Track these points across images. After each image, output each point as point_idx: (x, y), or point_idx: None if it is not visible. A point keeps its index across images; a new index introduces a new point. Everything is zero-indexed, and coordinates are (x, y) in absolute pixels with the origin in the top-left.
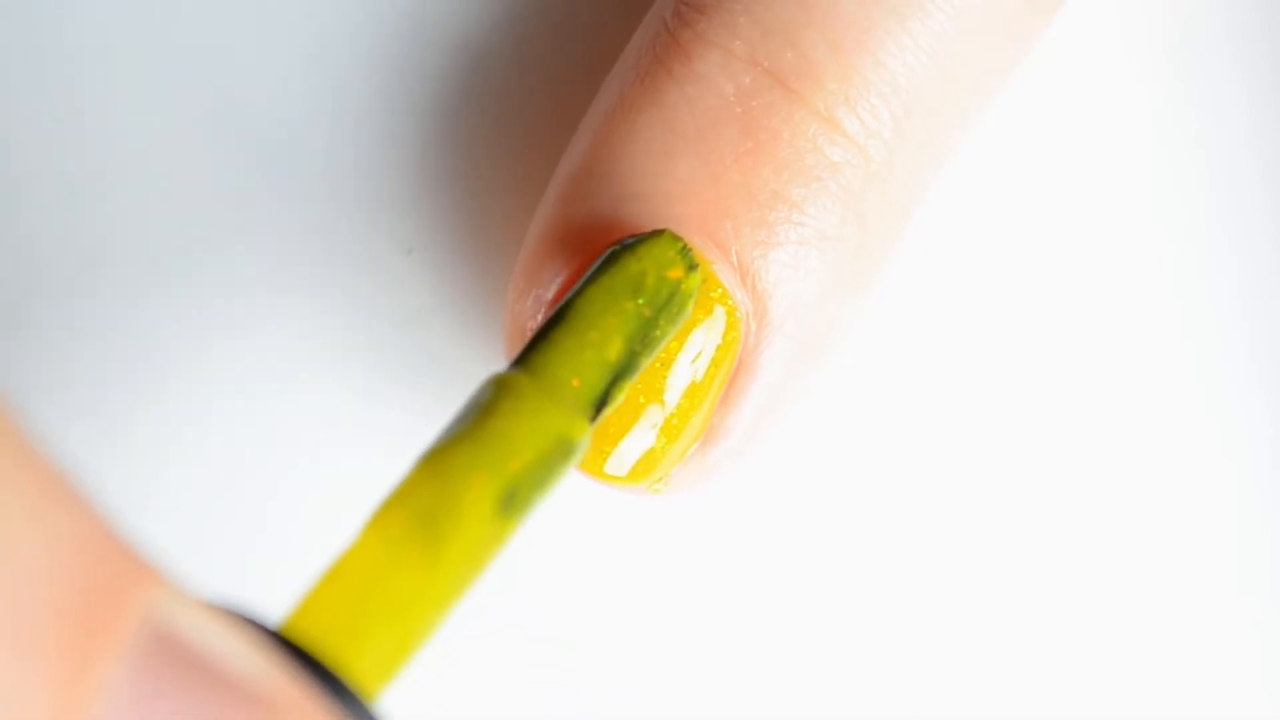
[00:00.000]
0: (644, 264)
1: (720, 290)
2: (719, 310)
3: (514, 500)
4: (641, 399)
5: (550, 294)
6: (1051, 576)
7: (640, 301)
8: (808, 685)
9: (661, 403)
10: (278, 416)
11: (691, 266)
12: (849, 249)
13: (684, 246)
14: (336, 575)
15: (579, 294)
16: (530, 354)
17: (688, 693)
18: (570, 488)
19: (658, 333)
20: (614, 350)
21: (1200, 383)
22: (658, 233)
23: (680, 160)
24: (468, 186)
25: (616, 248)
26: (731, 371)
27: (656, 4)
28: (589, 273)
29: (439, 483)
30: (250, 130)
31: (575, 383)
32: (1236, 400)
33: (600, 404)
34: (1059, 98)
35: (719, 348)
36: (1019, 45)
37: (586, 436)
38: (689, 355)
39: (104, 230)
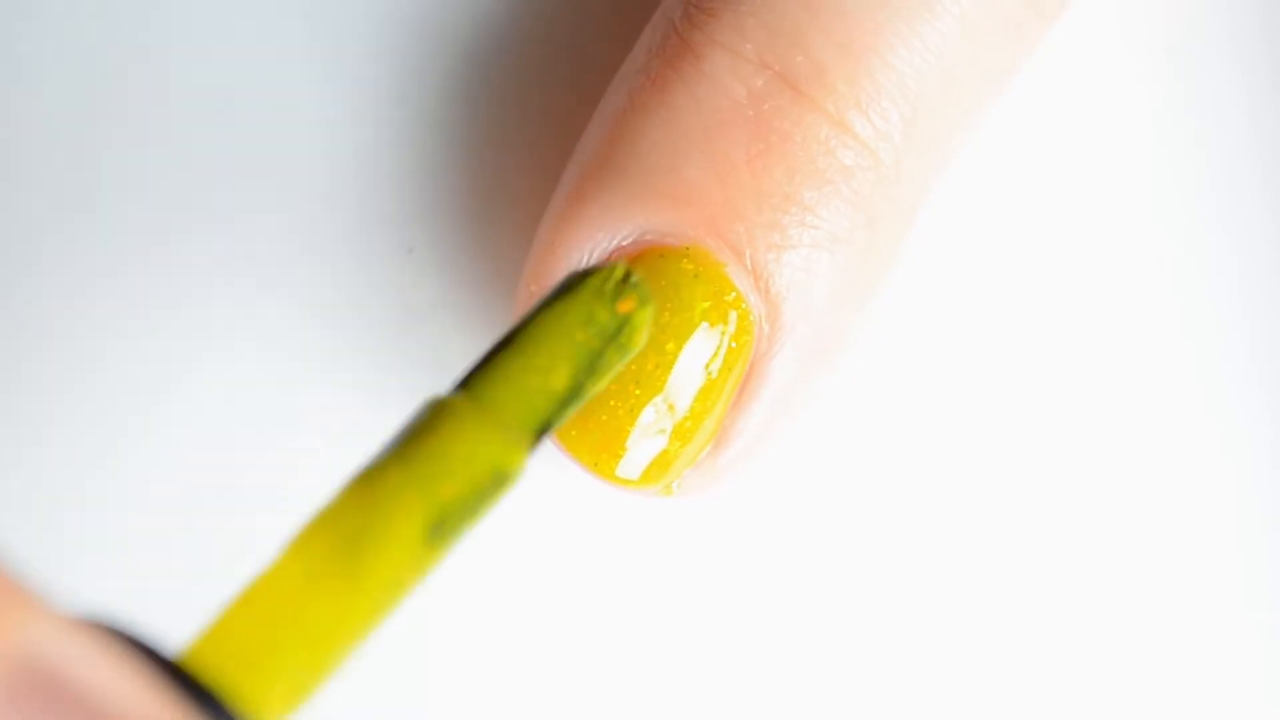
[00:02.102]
0: (596, 295)
1: (734, 294)
2: (732, 314)
3: (443, 528)
4: (655, 402)
5: None
6: (1055, 577)
7: (590, 333)
8: (815, 686)
9: (673, 406)
10: (278, 416)
11: (644, 300)
12: (859, 251)
13: (637, 280)
14: (248, 600)
15: (529, 320)
16: (473, 377)
17: (694, 693)
18: (577, 488)
19: (604, 363)
20: (560, 379)
21: (1200, 383)
22: (611, 265)
23: (690, 162)
24: (469, 186)
25: (572, 275)
26: (744, 374)
27: (663, 6)
28: (542, 298)
29: (367, 504)
30: (251, 131)
31: (516, 409)
32: (1236, 400)
33: (542, 431)
34: (1060, 99)
35: (731, 351)
36: (1022, 48)
37: (523, 465)
38: (702, 358)
39: (104, 230)
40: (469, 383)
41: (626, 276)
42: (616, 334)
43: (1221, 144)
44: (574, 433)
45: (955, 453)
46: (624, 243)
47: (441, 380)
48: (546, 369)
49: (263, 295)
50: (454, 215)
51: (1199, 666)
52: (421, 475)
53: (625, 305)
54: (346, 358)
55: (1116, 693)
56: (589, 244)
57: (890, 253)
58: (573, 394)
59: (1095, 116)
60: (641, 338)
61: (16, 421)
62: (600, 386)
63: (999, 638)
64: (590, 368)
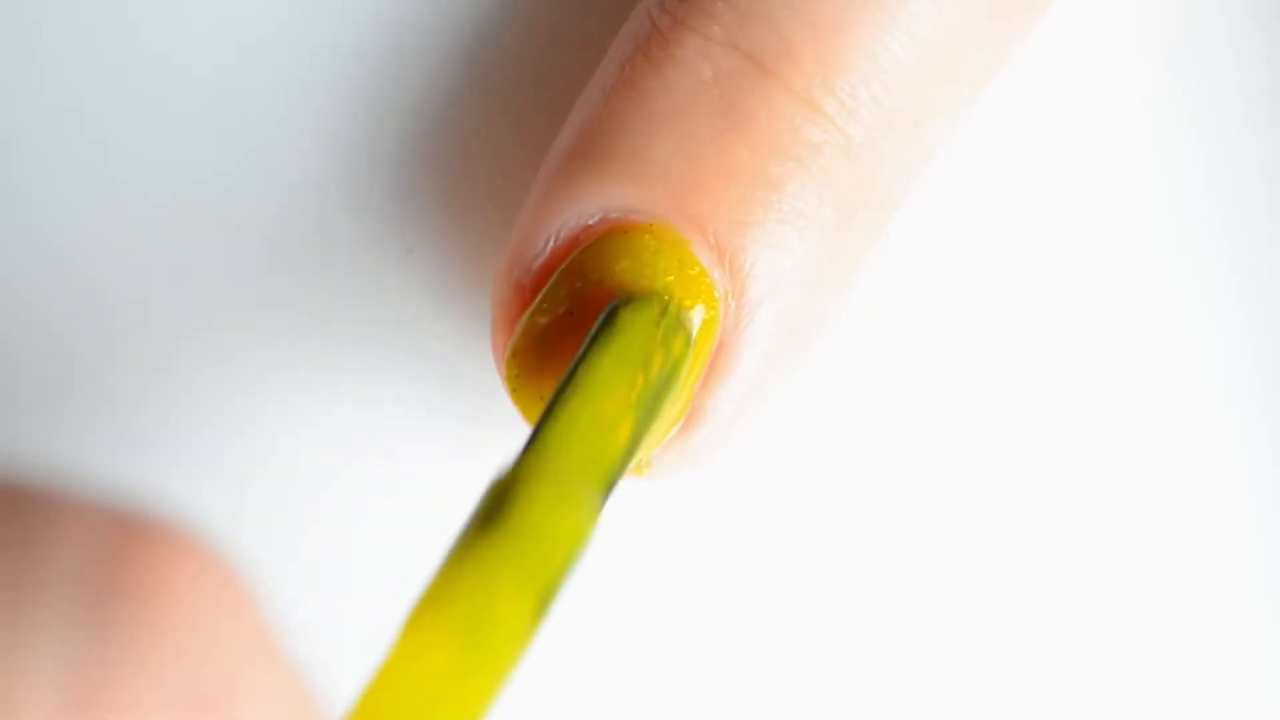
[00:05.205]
0: (652, 337)
1: (698, 269)
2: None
3: (546, 604)
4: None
5: (529, 279)
6: (1049, 573)
7: (650, 377)
8: (807, 685)
9: None
10: (277, 417)
11: (689, 338)
12: (828, 230)
13: (686, 316)
14: (381, 684)
15: (589, 363)
16: (539, 440)
17: (686, 691)
18: None
19: (657, 410)
20: (624, 434)
21: (1200, 383)
22: (659, 300)
23: (658, 141)
24: (469, 186)
25: (617, 308)
26: (711, 352)
27: None
28: (592, 336)
29: (478, 593)
30: (249, 131)
31: (586, 474)
32: (1236, 400)
33: (610, 490)
34: (1054, 96)
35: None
36: (1007, 34)
37: (596, 527)
38: None
39: (100, 231)
40: (537, 447)
41: (674, 311)
42: (670, 378)
43: (1220, 144)
44: (538, 410)
45: (948, 451)
46: (591, 222)
47: (441, 380)
48: (613, 424)
49: (262, 295)
50: (455, 215)
51: (1199, 666)
52: (526, 560)
53: (677, 345)
54: (346, 358)
55: (1116, 693)
56: (557, 224)
57: (865, 236)
58: (633, 446)
59: (1091, 113)
60: (688, 379)
61: (15, 420)
62: (651, 435)
63: (992, 635)
64: (647, 416)
